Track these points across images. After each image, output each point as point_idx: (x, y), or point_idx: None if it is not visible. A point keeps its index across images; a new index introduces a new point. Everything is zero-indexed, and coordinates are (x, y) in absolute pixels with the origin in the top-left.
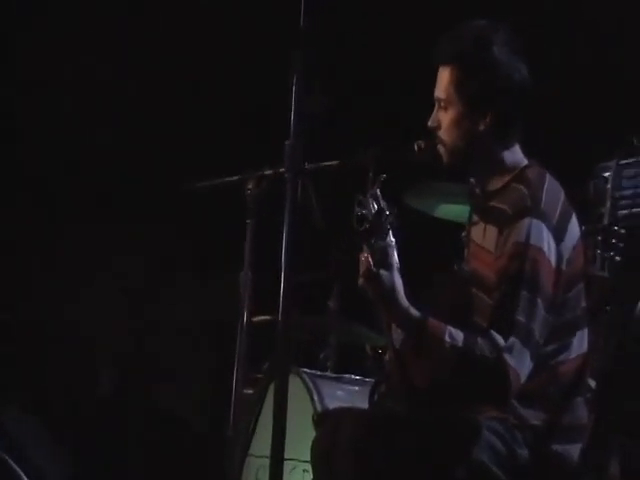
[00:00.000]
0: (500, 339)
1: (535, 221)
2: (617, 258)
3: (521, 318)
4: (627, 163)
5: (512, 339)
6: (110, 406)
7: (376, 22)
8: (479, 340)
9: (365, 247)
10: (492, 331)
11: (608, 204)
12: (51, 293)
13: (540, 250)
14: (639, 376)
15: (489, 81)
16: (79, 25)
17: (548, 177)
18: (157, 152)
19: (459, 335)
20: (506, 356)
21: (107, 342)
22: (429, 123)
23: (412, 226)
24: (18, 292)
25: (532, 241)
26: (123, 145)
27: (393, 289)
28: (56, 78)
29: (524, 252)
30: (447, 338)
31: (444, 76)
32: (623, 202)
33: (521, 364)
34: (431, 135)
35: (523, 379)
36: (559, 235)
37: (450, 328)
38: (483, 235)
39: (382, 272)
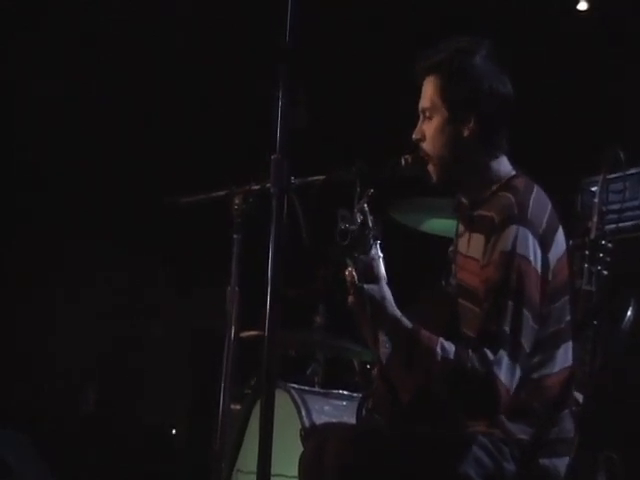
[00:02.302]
0: (490, 354)
1: (522, 229)
2: (604, 272)
3: (508, 329)
4: (614, 177)
5: (501, 352)
6: (95, 422)
7: (361, 36)
8: (470, 354)
9: (349, 262)
10: (482, 345)
11: (595, 218)
12: (34, 309)
13: (526, 259)
14: (626, 390)
15: (472, 85)
16: (63, 41)
17: (536, 188)
18: (142, 167)
19: (451, 348)
20: (496, 370)
21: (91, 357)
22: (414, 135)
23: (399, 241)
24: (1, 308)
25: (518, 250)
26: (108, 161)
27: (384, 299)
28: (36, 90)
29: (510, 261)
30: (439, 350)
31: (428, 86)
32: (610, 216)
33: (510, 378)
34: (417, 149)
35: (512, 391)
36: (545, 244)
37: (442, 340)
38: (468, 244)
39: (370, 286)
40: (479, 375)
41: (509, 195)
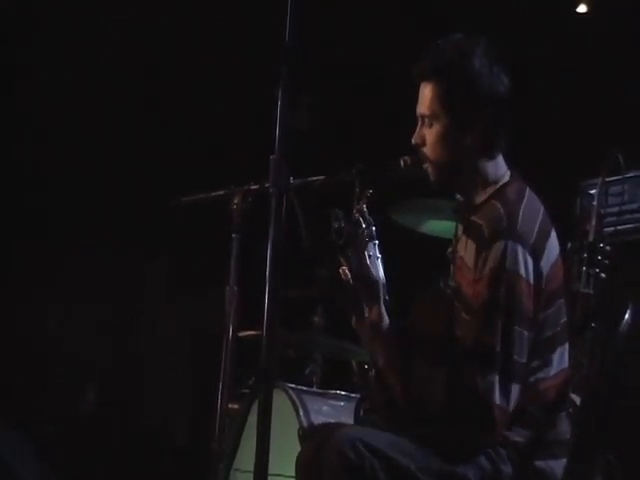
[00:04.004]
0: (481, 383)
1: (510, 243)
2: (602, 275)
3: (498, 348)
4: (613, 180)
5: (490, 377)
6: (94, 421)
7: (361, 37)
8: (464, 384)
9: (343, 261)
10: (474, 369)
11: (594, 221)
12: (35, 309)
13: (516, 273)
14: (624, 392)
15: (474, 93)
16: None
17: (527, 194)
18: (142, 167)
19: (442, 374)
20: (489, 397)
21: (91, 358)
22: (413, 140)
23: (398, 242)
24: (2, 308)
25: (508, 265)
26: (108, 161)
27: (378, 299)
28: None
29: (500, 278)
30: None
31: (427, 92)
32: (609, 219)
33: (506, 397)
34: (416, 151)
35: (512, 408)
36: (537, 254)
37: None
38: (465, 249)
39: (361, 285)
40: (471, 404)
41: (499, 206)
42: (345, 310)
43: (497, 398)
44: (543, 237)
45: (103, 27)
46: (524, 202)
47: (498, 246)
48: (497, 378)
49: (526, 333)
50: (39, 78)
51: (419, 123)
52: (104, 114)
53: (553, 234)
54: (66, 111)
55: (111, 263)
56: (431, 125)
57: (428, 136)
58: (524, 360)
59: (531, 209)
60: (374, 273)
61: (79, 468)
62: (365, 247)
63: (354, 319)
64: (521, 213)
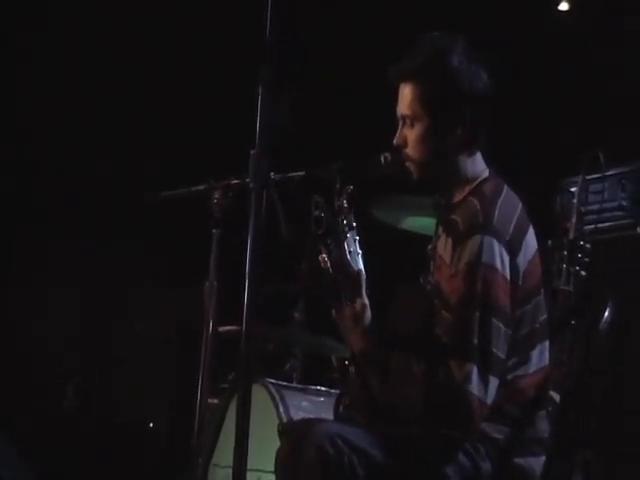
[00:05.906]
0: (457, 371)
1: (486, 237)
2: (582, 273)
3: (476, 341)
4: (593, 178)
5: (468, 366)
6: (75, 418)
7: (342, 33)
8: (439, 374)
9: (323, 250)
10: (450, 363)
11: (574, 219)
12: (17, 307)
13: (492, 267)
14: (603, 391)
15: (454, 92)
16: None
17: (505, 191)
18: (122, 162)
19: (420, 366)
20: (465, 386)
21: (72, 355)
22: (395, 141)
23: (378, 238)
24: None
25: (484, 259)
26: (88, 156)
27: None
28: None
29: (475, 271)
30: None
31: (407, 92)
32: (589, 217)
33: (483, 389)
34: (398, 152)
35: (490, 400)
36: (513, 250)
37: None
38: (444, 247)
39: (343, 275)
40: (449, 394)
41: (476, 202)
42: (326, 300)
43: (475, 388)
44: (520, 233)
45: (84, 21)
46: (501, 198)
47: (474, 240)
48: (475, 369)
49: (503, 327)
50: (38, 77)
51: (400, 123)
52: (85, 112)
53: (531, 231)
54: (53, 111)
55: (93, 258)
56: (412, 125)
57: (410, 136)
58: (503, 355)
59: (508, 205)
60: (355, 267)
61: (60, 465)
62: (345, 237)
63: (334, 309)
64: (497, 209)
